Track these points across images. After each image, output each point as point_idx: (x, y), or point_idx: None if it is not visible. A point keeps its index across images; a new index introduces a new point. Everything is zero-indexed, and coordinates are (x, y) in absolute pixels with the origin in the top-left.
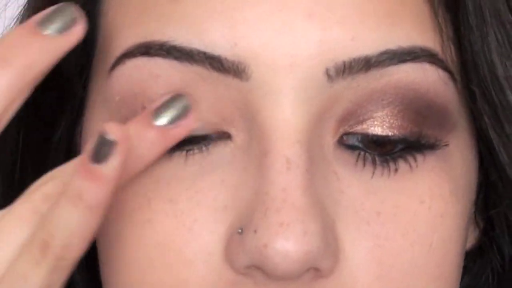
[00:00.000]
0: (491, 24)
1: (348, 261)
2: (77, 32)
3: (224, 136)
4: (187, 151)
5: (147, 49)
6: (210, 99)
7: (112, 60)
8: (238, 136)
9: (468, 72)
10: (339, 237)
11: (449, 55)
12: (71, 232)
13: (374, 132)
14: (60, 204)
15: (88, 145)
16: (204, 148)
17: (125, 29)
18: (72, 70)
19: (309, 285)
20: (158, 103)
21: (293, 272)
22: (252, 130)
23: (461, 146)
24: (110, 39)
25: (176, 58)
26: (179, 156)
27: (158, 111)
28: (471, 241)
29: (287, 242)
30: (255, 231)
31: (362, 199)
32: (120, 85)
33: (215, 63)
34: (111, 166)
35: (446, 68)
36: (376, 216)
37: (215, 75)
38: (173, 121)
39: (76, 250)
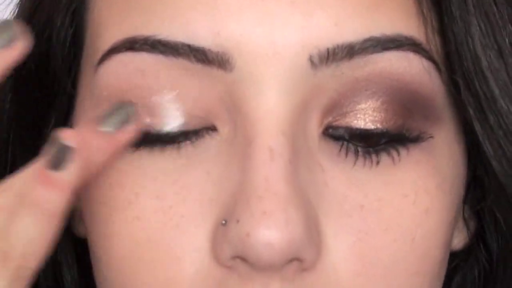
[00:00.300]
0: (475, 15)
1: (331, 254)
2: (19, 46)
3: (210, 129)
4: (173, 146)
5: (132, 44)
6: (196, 93)
7: (99, 55)
8: (224, 128)
9: (452, 63)
10: (321, 230)
11: (434, 46)
12: (30, 241)
13: (358, 126)
14: (19, 213)
15: (45, 152)
16: (189, 143)
17: (111, 24)
18: (60, 66)
19: (292, 278)
20: (103, 111)
21: (276, 261)
22: (237, 121)
23: (447, 139)
24: (97, 35)
25: (161, 52)
26: (168, 150)
27: (103, 118)
28: (463, 239)
29: (269, 231)
30: (237, 221)
31: (345, 192)
32: (107, 80)
33: (200, 55)
34: (70, 173)
35: (430, 58)
36: (360, 209)
37: (199, 67)
38: (118, 127)
39: (36, 258)
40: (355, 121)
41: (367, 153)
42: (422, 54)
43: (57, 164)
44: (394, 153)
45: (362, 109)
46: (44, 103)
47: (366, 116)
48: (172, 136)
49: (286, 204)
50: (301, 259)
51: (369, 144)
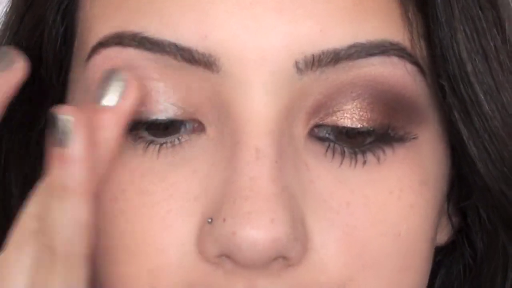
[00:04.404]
0: (460, 19)
1: (317, 250)
2: (19, 68)
3: (198, 128)
4: (161, 144)
5: (120, 39)
6: (183, 90)
7: (88, 50)
8: (211, 127)
9: (438, 67)
10: (308, 226)
11: (419, 50)
12: (68, 226)
13: (344, 124)
14: (50, 204)
15: (49, 133)
16: (177, 141)
17: (101, 20)
18: (52, 63)
19: (278, 274)
20: (96, 85)
21: (261, 260)
22: (224, 121)
23: (431, 139)
24: (87, 31)
25: (148, 49)
26: (153, 149)
27: (100, 93)
28: (446, 235)
29: (255, 230)
30: (224, 220)
31: (331, 189)
32: (95, 74)
33: (186, 54)
34: (77, 145)
35: (415, 62)
36: (346, 206)
37: (186, 66)
38: (119, 96)
39: (80, 241)
40: (342, 120)
41: (353, 154)
42: (406, 58)
43: (62, 141)
44: (380, 152)
45: (348, 109)
46: (36, 100)
47: (352, 115)
48: (158, 132)
49: (271, 203)
50: (286, 257)
51: (355, 144)
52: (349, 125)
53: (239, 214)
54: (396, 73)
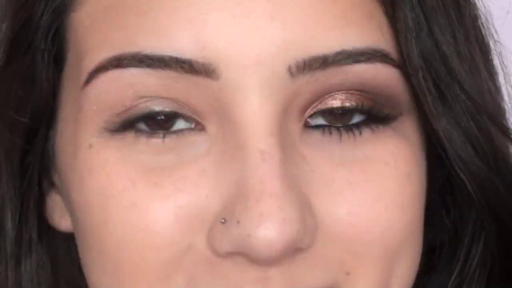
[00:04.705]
0: (437, 21)
1: (326, 231)
2: None
3: (198, 127)
4: (163, 137)
5: (119, 62)
6: (184, 98)
7: (84, 75)
8: (212, 128)
9: (417, 67)
10: (315, 211)
11: (403, 52)
12: None
13: (334, 105)
14: None
15: None
16: (180, 135)
17: (96, 44)
18: (45, 85)
19: (288, 262)
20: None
21: (276, 257)
22: (225, 124)
23: (410, 129)
24: (82, 54)
25: (149, 65)
26: (156, 143)
27: None
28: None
29: (269, 231)
30: (238, 222)
31: (331, 174)
32: (97, 96)
33: (187, 66)
34: None
35: (398, 66)
36: (348, 185)
37: (187, 76)
38: None
39: None
40: (332, 101)
41: (350, 130)
42: (389, 63)
43: None
44: (373, 125)
45: (337, 94)
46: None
47: (341, 97)
48: (158, 125)
49: (281, 203)
50: (298, 248)
51: (346, 121)
52: (339, 105)
53: (253, 216)
54: (380, 77)
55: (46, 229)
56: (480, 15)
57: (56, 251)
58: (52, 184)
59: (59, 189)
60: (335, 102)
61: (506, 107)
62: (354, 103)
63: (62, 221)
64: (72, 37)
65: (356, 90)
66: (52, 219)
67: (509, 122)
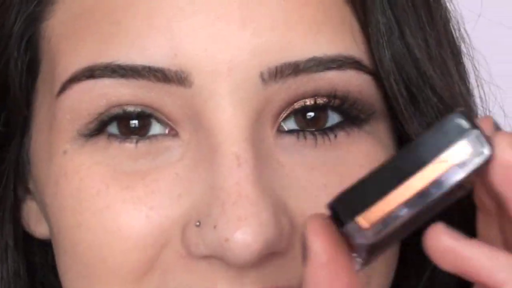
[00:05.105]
0: (408, 24)
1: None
2: None
3: (171, 132)
4: (136, 142)
5: (92, 72)
6: (158, 105)
7: (58, 85)
8: (185, 134)
9: (388, 70)
10: (292, 214)
11: (375, 58)
12: None
13: (307, 103)
14: None
15: None
16: (147, 141)
17: (69, 54)
18: (18, 92)
19: (264, 266)
20: None
21: (253, 261)
22: (199, 130)
23: (383, 132)
24: (55, 64)
25: (122, 75)
26: (129, 148)
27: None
28: None
29: (246, 235)
30: (215, 226)
31: (306, 177)
32: (70, 106)
33: (159, 74)
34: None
35: (369, 72)
36: (324, 187)
37: (160, 85)
38: None
39: None
40: (306, 101)
41: (324, 133)
42: (361, 69)
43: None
44: (347, 128)
45: (310, 97)
46: (4, 127)
47: (314, 97)
48: (130, 129)
49: (257, 207)
50: (274, 252)
51: (320, 124)
52: (313, 103)
53: (230, 220)
54: (352, 83)
55: (22, 235)
56: (451, 18)
57: (33, 257)
58: (27, 191)
59: (34, 195)
60: (311, 101)
61: (477, 110)
62: (326, 100)
63: (38, 228)
64: (45, 46)
65: (328, 97)
66: (28, 226)
67: None
